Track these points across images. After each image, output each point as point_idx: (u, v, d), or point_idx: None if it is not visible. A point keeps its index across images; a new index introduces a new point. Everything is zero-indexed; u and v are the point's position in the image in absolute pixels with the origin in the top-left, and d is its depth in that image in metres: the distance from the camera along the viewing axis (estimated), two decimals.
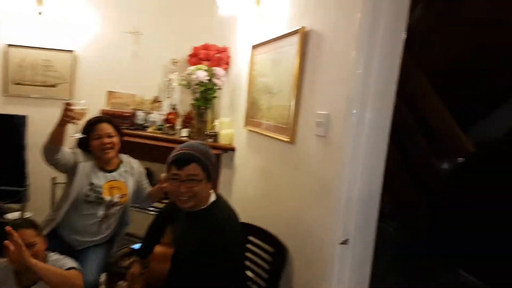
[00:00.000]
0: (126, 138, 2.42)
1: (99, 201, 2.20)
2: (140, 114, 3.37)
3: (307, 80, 1.90)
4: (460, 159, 2.16)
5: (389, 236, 2.46)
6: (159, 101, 3.45)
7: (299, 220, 1.90)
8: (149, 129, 3.30)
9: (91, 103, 2.14)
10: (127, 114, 3.33)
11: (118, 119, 2.97)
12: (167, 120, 3.30)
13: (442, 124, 2.49)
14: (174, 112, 3.35)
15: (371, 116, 1.54)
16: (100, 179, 2.23)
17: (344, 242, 1.60)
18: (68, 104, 1.96)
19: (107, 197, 2.21)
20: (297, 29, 1.95)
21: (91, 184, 2.20)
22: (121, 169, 2.32)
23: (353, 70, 1.52)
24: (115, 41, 3.49)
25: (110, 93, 3.43)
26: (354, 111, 1.53)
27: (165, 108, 3.41)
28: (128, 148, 2.44)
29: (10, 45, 3.33)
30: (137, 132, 3.22)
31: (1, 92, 3.41)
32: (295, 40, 1.97)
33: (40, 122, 3.17)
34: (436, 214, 2.46)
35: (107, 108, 3.38)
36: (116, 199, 2.24)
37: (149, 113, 3.37)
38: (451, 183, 2.13)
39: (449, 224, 1.80)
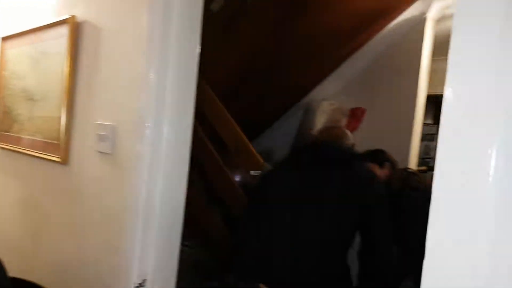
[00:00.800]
0: None
1: None
2: None
3: (82, 83, 1.50)
4: (253, 172, 2.18)
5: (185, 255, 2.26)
6: None
7: (79, 263, 1.47)
8: None
9: None
10: None
11: None
12: None
13: (232, 137, 2.49)
14: None
15: (169, 129, 1.29)
16: None
17: (141, 285, 1.29)
18: None
19: None
20: (65, 19, 1.53)
21: None
22: None
23: (145, 76, 1.24)
24: None
25: None
26: (148, 123, 1.24)
27: None
28: None
29: None
30: None
31: None
32: (63, 32, 1.54)
33: None
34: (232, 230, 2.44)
35: None
36: None
37: None
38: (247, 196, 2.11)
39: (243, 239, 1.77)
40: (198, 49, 1.35)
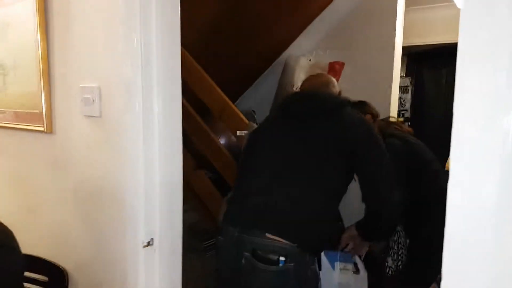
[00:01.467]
0: None
1: None
2: None
3: (58, 46, 1.41)
4: (241, 133, 2.16)
5: None
6: None
7: (79, 232, 1.45)
8: None
9: None
10: None
11: None
12: None
13: (215, 101, 2.45)
14: None
15: (160, 87, 1.25)
16: None
17: (149, 244, 1.29)
18: None
19: None
20: None
21: None
22: None
23: (128, 33, 1.19)
24: None
25: None
26: (138, 80, 1.20)
27: None
28: None
29: None
30: None
31: None
32: None
33: None
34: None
35: None
36: None
37: None
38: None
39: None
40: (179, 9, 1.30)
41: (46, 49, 1.42)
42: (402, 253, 1.83)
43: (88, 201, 1.40)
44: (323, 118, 1.44)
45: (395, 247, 1.85)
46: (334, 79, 1.64)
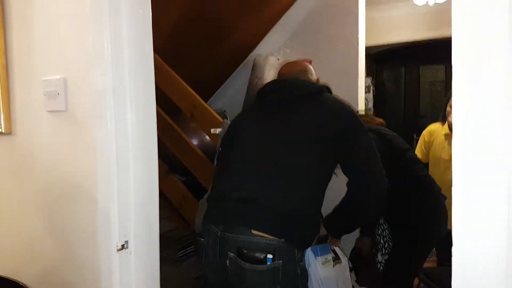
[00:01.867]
0: None
1: None
2: None
3: (16, 38, 1.29)
4: (215, 130, 2.08)
5: None
6: None
7: (51, 239, 1.31)
8: None
9: None
10: None
11: None
12: None
13: (186, 101, 2.36)
14: None
15: (131, 78, 1.16)
16: None
17: (123, 247, 1.18)
18: None
19: None
20: None
21: None
22: None
23: (98, 28, 1.11)
24: None
25: None
26: (108, 70, 1.11)
27: None
28: None
29: None
30: None
31: None
32: None
33: None
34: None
35: None
36: None
37: None
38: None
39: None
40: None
41: (3, 41, 1.29)
42: (388, 246, 1.82)
43: (54, 205, 1.28)
44: (304, 105, 1.38)
45: (382, 241, 1.83)
46: (311, 67, 1.60)
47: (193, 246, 2.30)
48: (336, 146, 1.33)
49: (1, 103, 1.32)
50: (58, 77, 1.19)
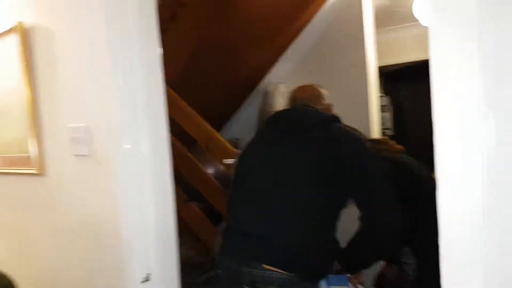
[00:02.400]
0: None
1: None
2: None
3: (43, 90, 1.46)
4: (225, 161, 2.19)
5: None
6: None
7: (76, 274, 1.44)
8: None
9: None
10: None
11: None
12: None
13: (200, 132, 2.50)
14: None
15: (149, 123, 1.31)
16: None
17: (147, 279, 1.30)
18: None
19: None
20: (11, 27, 1.48)
21: None
22: None
23: (113, 73, 1.26)
24: None
25: None
26: (126, 117, 1.26)
27: None
28: None
29: None
30: None
31: None
32: (13, 42, 1.49)
33: None
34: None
35: None
36: None
37: None
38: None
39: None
40: (159, 50, 1.38)
41: (32, 94, 1.46)
42: (412, 274, 1.79)
43: (82, 240, 1.41)
44: (310, 135, 1.36)
45: (405, 269, 1.79)
46: (324, 91, 1.58)
47: (213, 271, 2.39)
48: (342, 177, 1.31)
49: (34, 148, 1.48)
50: (81, 125, 1.34)
